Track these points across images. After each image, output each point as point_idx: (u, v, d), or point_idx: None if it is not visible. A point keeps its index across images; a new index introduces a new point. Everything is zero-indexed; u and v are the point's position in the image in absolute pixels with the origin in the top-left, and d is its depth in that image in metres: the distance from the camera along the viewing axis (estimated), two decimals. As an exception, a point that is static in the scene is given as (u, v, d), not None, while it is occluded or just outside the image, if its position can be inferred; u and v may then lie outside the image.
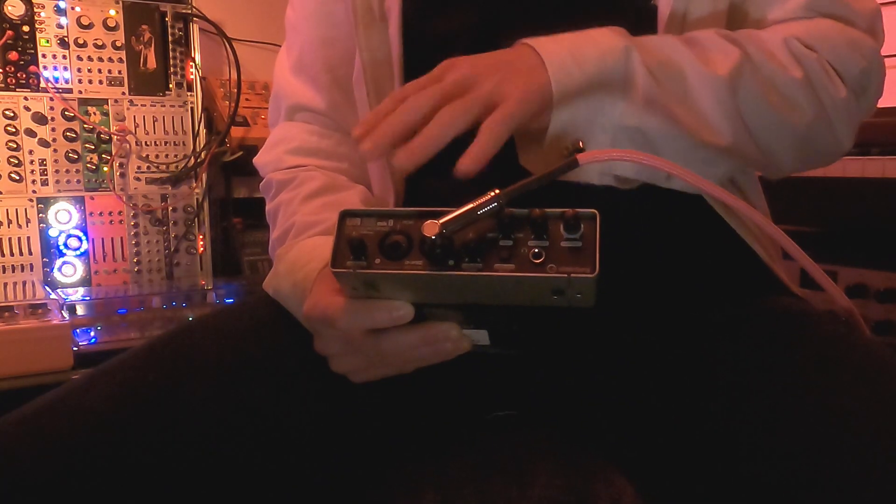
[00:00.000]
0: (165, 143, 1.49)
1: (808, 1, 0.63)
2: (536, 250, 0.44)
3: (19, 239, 1.38)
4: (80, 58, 1.41)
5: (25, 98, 1.37)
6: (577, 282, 0.43)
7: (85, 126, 1.42)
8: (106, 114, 1.44)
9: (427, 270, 0.45)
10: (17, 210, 1.38)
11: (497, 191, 0.45)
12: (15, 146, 1.37)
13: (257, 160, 0.82)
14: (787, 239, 0.57)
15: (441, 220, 0.44)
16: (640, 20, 0.63)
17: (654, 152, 0.55)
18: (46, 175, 1.40)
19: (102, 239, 1.45)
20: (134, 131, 1.46)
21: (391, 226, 0.46)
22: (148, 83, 1.47)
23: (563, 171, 0.47)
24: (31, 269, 1.39)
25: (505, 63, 0.54)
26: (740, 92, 0.57)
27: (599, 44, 0.56)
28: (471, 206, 0.45)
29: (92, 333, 1.20)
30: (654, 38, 0.58)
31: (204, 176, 1.53)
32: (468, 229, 0.45)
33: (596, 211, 0.44)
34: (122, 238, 1.47)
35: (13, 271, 1.38)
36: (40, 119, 1.39)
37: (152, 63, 1.47)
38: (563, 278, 0.43)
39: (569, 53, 0.55)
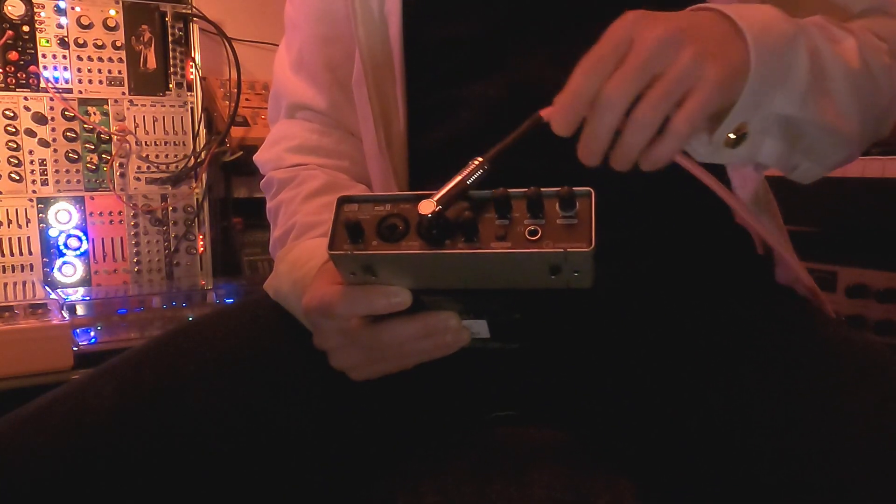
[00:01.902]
0: (165, 143, 1.49)
1: (872, 3, 0.66)
2: (532, 228, 0.44)
3: (19, 239, 1.38)
4: (80, 58, 1.41)
5: (25, 98, 1.37)
6: (574, 256, 0.43)
7: (85, 126, 1.42)
8: (106, 114, 1.44)
9: (423, 250, 0.45)
10: (17, 210, 1.38)
11: (480, 158, 0.46)
12: (15, 146, 1.37)
13: (258, 157, 0.82)
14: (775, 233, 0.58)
15: (435, 197, 0.44)
16: None
17: (796, 140, 0.56)
18: (46, 175, 1.40)
19: (102, 239, 1.45)
20: (134, 131, 1.46)
21: (388, 209, 0.46)
22: (148, 83, 1.47)
23: (532, 128, 0.49)
24: (31, 269, 1.39)
25: (697, 28, 0.49)
26: (862, 82, 0.58)
27: (776, 24, 0.53)
28: (459, 177, 0.45)
29: (92, 333, 1.20)
30: (800, 23, 0.56)
31: (204, 176, 1.53)
32: (464, 210, 0.45)
33: (591, 188, 0.44)
34: (122, 238, 1.47)
35: (13, 271, 1.38)
36: (40, 119, 1.38)
37: (152, 63, 1.47)
38: (559, 253, 0.43)
39: (762, 23, 0.51)
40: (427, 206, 0.44)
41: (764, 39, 0.50)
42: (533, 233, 0.44)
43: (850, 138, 0.58)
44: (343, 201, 0.47)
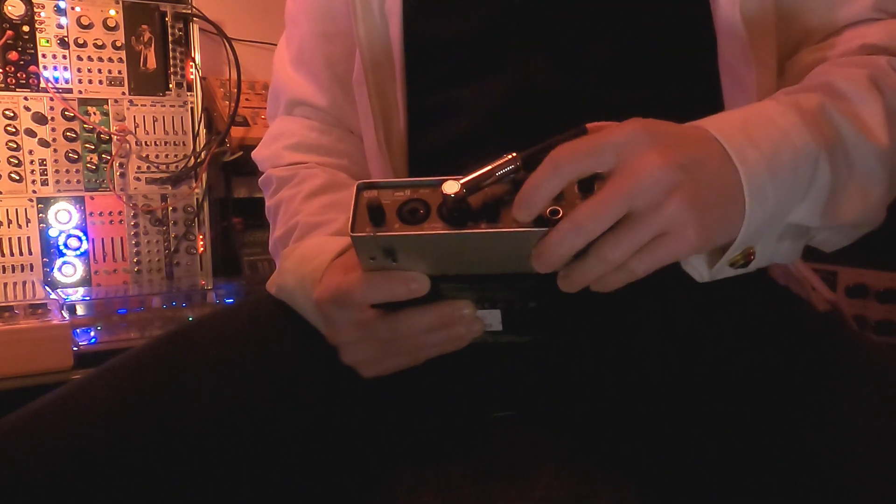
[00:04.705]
0: (165, 143, 1.49)
1: (876, 1, 0.61)
2: (553, 209, 0.44)
3: (19, 239, 1.38)
4: (80, 58, 1.41)
5: (25, 98, 1.37)
6: None
7: (85, 126, 1.42)
8: (106, 114, 1.44)
9: (446, 230, 0.45)
10: (17, 210, 1.38)
11: (514, 154, 0.45)
12: (15, 146, 1.37)
13: (256, 154, 0.82)
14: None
15: (462, 180, 0.44)
16: (651, 34, 0.63)
17: (811, 239, 0.54)
18: (46, 175, 1.40)
19: (102, 239, 1.45)
20: (134, 131, 1.46)
21: (408, 195, 0.46)
22: (148, 83, 1.47)
23: (573, 137, 0.46)
24: (31, 269, 1.39)
25: (698, 167, 0.45)
26: (892, 153, 0.53)
27: (795, 146, 0.48)
28: (489, 167, 0.45)
29: (92, 333, 1.20)
30: (817, 111, 0.51)
31: (204, 176, 1.53)
32: (484, 193, 0.45)
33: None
34: (122, 238, 1.47)
35: (13, 271, 1.38)
36: (40, 119, 1.38)
37: (152, 63, 1.47)
38: None
39: (767, 168, 0.47)
40: (451, 187, 0.44)
41: (770, 178, 0.47)
42: (554, 213, 0.44)
43: (877, 215, 0.55)
44: (363, 187, 0.47)
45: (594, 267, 0.44)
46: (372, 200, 0.45)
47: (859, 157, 0.51)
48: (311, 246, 0.63)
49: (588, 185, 0.44)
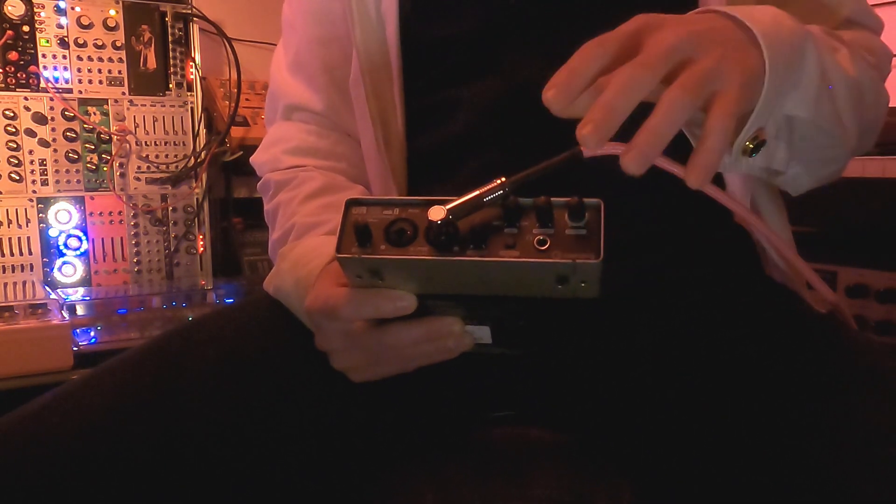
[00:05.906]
0: (165, 143, 1.49)
1: (851, 15, 0.67)
2: (541, 237, 0.44)
3: (19, 239, 1.38)
4: (80, 58, 1.41)
5: (25, 98, 1.37)
6: (582, 267, 0.43)
7: (85, 126, 1.42)
8: (106, 114, 1.44)
9: (432, 256, 0.45)
10: (17, 210, 1.38)
11: (503, 178, 0.45)
12: (15, 146, 1.37)
13: (254, 159, 0.82)
14: (777, 235, 0.57)
15: (447, 206, 0.44)
16: None
17: (794, 145, 0.54)
18: (46, 175, 1.40)
19: (102, 239, 1.45)
20: (134, 131, 1.46)
21: (396, 214, 0.46)
22: (148, 83, 1.47)
23: (566, 161, 0.46)
24: (31, 269, 1.39)
25: (713, 32, 0.46)
26: (855, 92, 0.56)
27: (784, 25, 0.50)
28: (477, 192, 0.45)
29: (92, 333, 1.20)
30: (803, 25, 0.54)
31: (204, 176, 1.53)
32: (473, 217, 0.45)
33: (601, 200, 0.44)
34: (122, 238, 1.47)
35: (13, 271, 1.38)
36: (40, 119, 1.39)
37: (152, 63, 1.47)
38: (567, 264, 0.43)
39: (772, 27, 0.48)
40: (437, 213, 0.44)
41: (777, 45, 0.48)
42: (542, 242, 0.44)
43: (845, 147, 0.57)
44: (351, 204, 0.47)
45: (669, 114, 0.42)
46: (359, 220, 0.45)
47: (833, 76, 0.54)
48: (308, 247, 0.63)
49: (579, 214, 0.44)
